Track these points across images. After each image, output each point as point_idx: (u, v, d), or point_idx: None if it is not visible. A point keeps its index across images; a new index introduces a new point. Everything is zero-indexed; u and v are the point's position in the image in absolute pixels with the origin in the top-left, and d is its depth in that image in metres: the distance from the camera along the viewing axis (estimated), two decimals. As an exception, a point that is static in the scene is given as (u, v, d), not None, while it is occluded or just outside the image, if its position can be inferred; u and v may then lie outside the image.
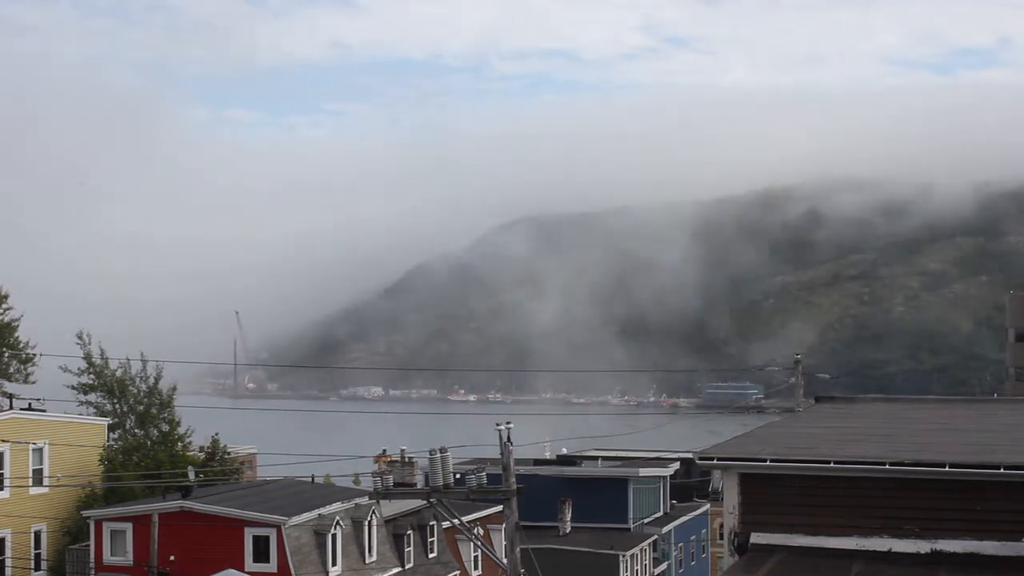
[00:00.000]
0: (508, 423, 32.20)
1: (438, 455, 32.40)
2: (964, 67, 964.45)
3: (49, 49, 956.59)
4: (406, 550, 54.38)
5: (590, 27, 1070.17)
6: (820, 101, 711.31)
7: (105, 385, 64.07)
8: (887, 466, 18.43)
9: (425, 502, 35.09)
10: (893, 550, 18.38)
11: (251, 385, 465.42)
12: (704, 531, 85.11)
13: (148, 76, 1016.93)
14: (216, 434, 65.72)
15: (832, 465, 18.73)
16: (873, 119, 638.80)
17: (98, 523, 49.68)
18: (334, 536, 49.52)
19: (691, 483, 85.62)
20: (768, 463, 19.00)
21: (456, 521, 36.86)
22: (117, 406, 64.21)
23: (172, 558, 46.54)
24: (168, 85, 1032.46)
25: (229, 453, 70.70)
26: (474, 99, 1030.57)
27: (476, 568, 60.49)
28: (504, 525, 35.54)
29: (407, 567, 54.18)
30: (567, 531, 70.32)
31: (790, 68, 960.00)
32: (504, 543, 41.55)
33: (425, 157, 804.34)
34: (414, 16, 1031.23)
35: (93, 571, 49.69)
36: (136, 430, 64.40)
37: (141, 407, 64.46)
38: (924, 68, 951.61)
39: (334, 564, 49.39)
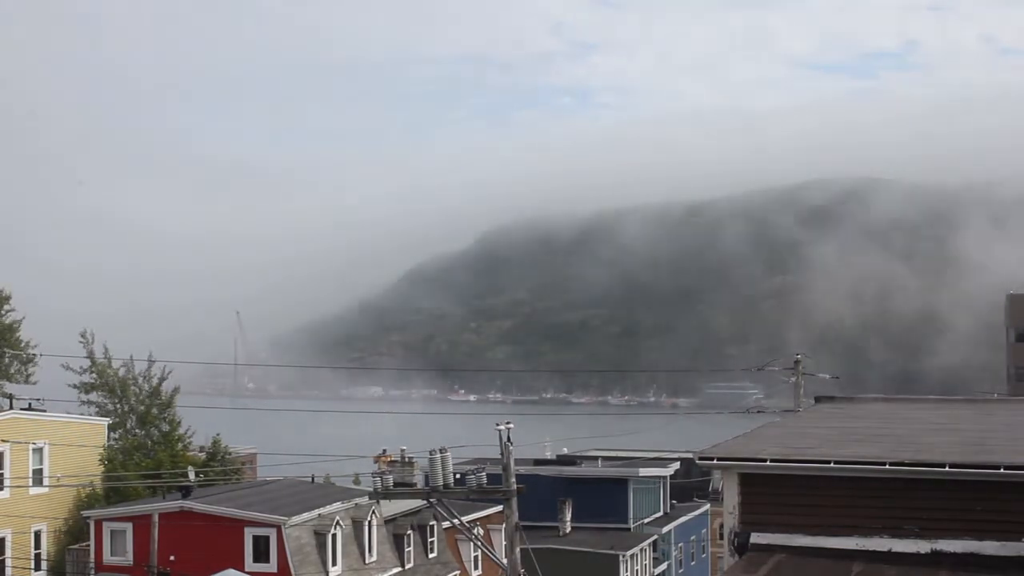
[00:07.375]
0: (508, 423, 32.18)
1: (438, 455, 32.38)
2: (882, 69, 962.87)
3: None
4: (406, 550, 54.36)
5: (500, 32, 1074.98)
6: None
7: (107, 384, 64.09)
8: (887, 466, 18.42)
9: (425, 502, 35.08)
10: (893, 550, 18.37)
11: (251, 385, 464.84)
12: (704, 531, 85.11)
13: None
14: (218, 434, 65.76)
15: (832, 465, 18.72)
16: (870, 119, 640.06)
17: (98, 523, 49.67)
18: (334, 536, 49.50)
19: (691, 483, 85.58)
20: (768, 463, 18.99)
21: (456, 521, 36.84)
22: (118, 406, 64.22)
23: (172, 558, 46.48)
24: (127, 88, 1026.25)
25: (230, 453, 70.73)
26: (396, 103, 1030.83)
27: (476, 568, 60.47)
28: (504, 525, 35.53)
29: (407, 567, 54.17)
30: (567, 531, 70.29)
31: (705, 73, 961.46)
32: (504, 543, 41.55)
33: (423, 160, 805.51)
34: (323, 20, 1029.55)
35: (93, 571, 49.66)
36: (137, 430, 64.41)
37: (142, 407, 64.47)
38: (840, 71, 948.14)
39: (334, 564, 49.37)
